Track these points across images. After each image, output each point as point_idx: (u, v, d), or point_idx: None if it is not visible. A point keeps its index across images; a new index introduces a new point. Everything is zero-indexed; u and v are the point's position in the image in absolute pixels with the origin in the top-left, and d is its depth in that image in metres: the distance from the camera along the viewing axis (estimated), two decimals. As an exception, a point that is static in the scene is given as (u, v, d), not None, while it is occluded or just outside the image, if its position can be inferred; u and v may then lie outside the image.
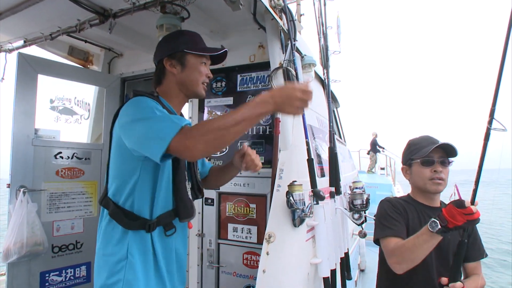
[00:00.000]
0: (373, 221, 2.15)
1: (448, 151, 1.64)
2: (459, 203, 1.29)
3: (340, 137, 4.22)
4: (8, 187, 2.18)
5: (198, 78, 1.43)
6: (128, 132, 1.18)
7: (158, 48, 1.45)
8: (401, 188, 10.70)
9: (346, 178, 2.98)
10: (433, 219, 1.32)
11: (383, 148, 13.33)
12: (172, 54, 1.38)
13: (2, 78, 2.47)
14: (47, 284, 2.35)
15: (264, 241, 1.56)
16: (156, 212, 1.30)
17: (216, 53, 1.48)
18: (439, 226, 1.30)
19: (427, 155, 1.63)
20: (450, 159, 1.66)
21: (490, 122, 1.36)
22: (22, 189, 2.17)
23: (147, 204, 1.28)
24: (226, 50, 1.50)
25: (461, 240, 1.41)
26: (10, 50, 2.44)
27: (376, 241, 1.69)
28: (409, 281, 1.58)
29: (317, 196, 1.56)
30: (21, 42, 2.36)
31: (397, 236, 1.54)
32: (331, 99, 3.83)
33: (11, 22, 2.02)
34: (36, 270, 2.29)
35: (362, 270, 5.01)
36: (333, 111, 4.04)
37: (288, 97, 1.08)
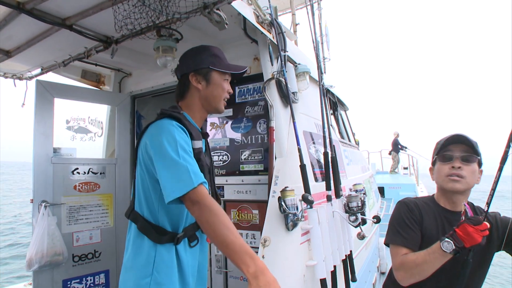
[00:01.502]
0: (373, 223, 2.17)
1: (471, 146, 1.48)
2: (475, 221, 1.23)
3: (350, 141, 4.23)
4: (31, 202, 2.39)
5: (221, 94, 1.46)
6: (157, 160, 1.20)
7: (183, 62, 1.45)
8: (425, 188, 10.41)
9: (353, 181, 3.00)
10: (446, 239, 1.26)
11: (406, 148, 13.01)
12: (197, 70, 1.40)
13: (23, 104, 2.70)
14: (69, 291, 2.53)
15: (260, 245, 1.64)
16: (183, 224, 1.35)
17: (240, 72, 1.51)
18: (454, 247, 1.24)
19: (444, 150, 1.51)
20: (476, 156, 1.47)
21: (508, 145, 1.26)
22: (43, 204, 2.37)
23: (174, 218, 1.32)
24: (247, 68, 1.56)
25: (466, 259, 1.34)
26: (30, 78, 2.69)
27: (387, 244, 1.62)
28: None
29: (306, 201, 1.63)
30: (38, 70, 2.59)
31: (407, 247, 1.46)
32: (337, 103, 3.88)
33: (29, 53, 2.24)
34: (58, 278, 2.48)
35: (382, 273, 4.93)
36: (340, 114, 4.07)
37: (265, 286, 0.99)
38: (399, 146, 12.99)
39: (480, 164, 1.50)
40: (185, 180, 1.13)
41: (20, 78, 2.71)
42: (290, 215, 1.66)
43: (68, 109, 2.70)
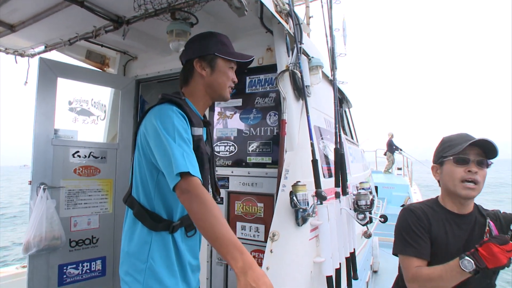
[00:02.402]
0: (379, 222, 2.16)
1: (486, 151, 1.43)
2: (502, 240, 1.16)
3: (352, 138, 4.21)
4: (30, 183, 2.32)
5: (226, 82, 1.42)
6: (154, 145, 1.20)
7: (189, 47, 1.43)
8: (418, 189, 10.51)
9: (356, 178, 2.99)
10: (466, 257, 1.20)
11: (400, 149, 13.13)
12: (202, 56, 1.37)
13: (26, 82, 2.61)
14: (64, 276, 2.48)
15: (268, 239, 1.61)
16: (179, 213, 1.32)
17: (245, 61, 1.48)
18: (474, 267, 1.17)
19: (461, 152, 1.42)
20: (489, 160, 1.44)
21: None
22: (42, 186, 2.30)
23: (170, 206, 1.30)
24: (253, 58, 1.52)
25: (489, 283, 1.30)
26: (33, 55, 2.59)
27: (395, 254, 1.56)
28: None
29: (319, 197, 1.60)
30: (42, 48, 2.49)
31: (419, 258, 1.42)
32: (343, 100, 3.85)
33: (34, 29, 2.15)
34: (54, 263, 2.42)
35: (375, 271, 4.97)
36: (345, 111, 4.05)
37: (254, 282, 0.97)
38: (394, 147, 13.12)
39: (489, 166, 1.46)
40: (182, 164, 1.11)
41: (22, 55, 2.61)
42: (300, 210, 1.62)
43: (71, 90, 2.62)
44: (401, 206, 10.20)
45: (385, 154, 13.53)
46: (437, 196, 1.60)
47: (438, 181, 1.58)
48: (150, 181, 1.28)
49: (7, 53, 2.56)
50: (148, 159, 1.25)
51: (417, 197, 9.25)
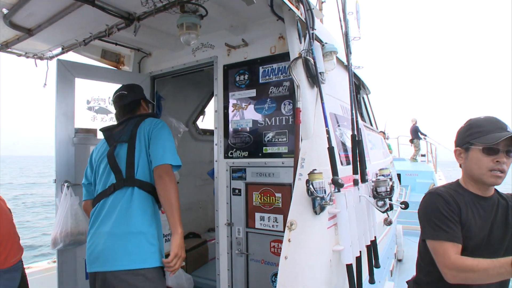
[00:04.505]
0: (401, 209, 2.10)
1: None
2: None
3: (371, 125, 4.12)
4: (55, 182, 2.40)
5: None
6: (158, 142, 1.77)
7: (133, 92, 2.05)
8: (443, 175, 10.21)
9: (376, 166, 2.92)
10: None
11: (425, 135, 12.64)
12: (145, 99, 2.10)
13: (45, 84, 2.69)
14: (92, 270, 2.57)
15: (286, 228, 1.60)
16: None
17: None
18: None
19: (494, 143, 1.39)
20: None
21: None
22: (66, 184, 2.38)
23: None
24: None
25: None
26: (51, 58, 2.67)
27: (424, 240, 1.55)
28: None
29: (336, 184, 1.57)
30: (59, 50, 2.57)
31: (454, 242, 1.40)
32: (360, 86, 3.76)
33: (49, 32, 2.21)
34: (81, 257, 2.51)
35: (399, 260, 4.89)
36: (363, 98, 3.96)
37: (182, 249, 1.67)
38: (419, 133, 12.61)
39: None
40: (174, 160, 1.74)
41: (41, 58, 2.70)
42: (317, 198, 1.60)
43: (89, 89, 2.68)
44: (426, 193, 9.93)
45: (411, 141, 13.00)
46: (458, 180, 1.59)
47: (460, 165, 1.56)
48: (148, 164, 1.79)
49: (27, 57, 2.65)
50: (147, 151, 1.79)
51: (442, 183, 9.00)
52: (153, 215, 1.76)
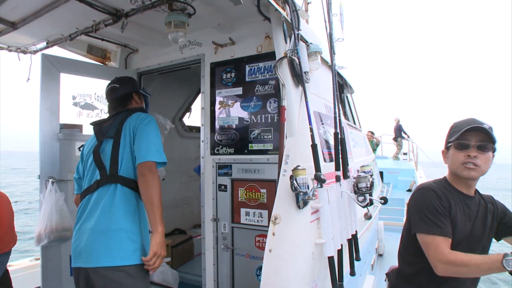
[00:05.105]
0: (381, 205, 2.19)
1: (490, 135, 1.48)
2: None
3: (355, 123, 4.22)
4: (39, 178, 2.38)
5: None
6: (143, 138, 1.74)
7: (125, 85, 2.01)
8: (423, 173, 10.50)
9: (358, 163, 3.02)
10: (511, 256, 1.26)
11: (407, 135, 12.95)
12: (137, 91, 2.05)
13: (28, 78, 2.66)
14: (77, 266, 2.57)
15: (271, 222, 1.65)
16: None
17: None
18: None
19: (461, 138, 1.51)
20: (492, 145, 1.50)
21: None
22: (50, 180, 2.36)
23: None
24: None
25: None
26: (35, 52, 2.63)
27: (415, 234, 1.58)
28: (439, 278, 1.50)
29: (318, 180, 1.63)
30: (44, 44, 2.53)
31: (446, 236, 1.46)
32: (344, 85, 3.85)
33: (35, 25, 2.18)
34: (66, 254, 2.50)
35: (380, 255, 5.03)
36: (346, 97, 4.05)
37: (161, 247, 1.65)
38: (403, 132, 12.89)
39: (494, 150, 1.51)
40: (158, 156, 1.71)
41: (24, 52, 2.65)
42: (301, 193, 1.66)
43: (75, 84, 2.66)
44: (407, 190, 10.22)
45: (395, 139, 13.26)
46: (445, 177, 1.67)
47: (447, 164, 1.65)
48: (133, 160, 1.76)
49: (10, 50, 2.60)
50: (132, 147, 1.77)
51: (422, 181, 9.26)
52: (136, 212, 1.74)
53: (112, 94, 1.98)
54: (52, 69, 2.47)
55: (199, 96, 4.39)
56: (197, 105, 4.40)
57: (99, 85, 2.78)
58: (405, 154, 13.23)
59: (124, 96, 1.98)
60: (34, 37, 2.44)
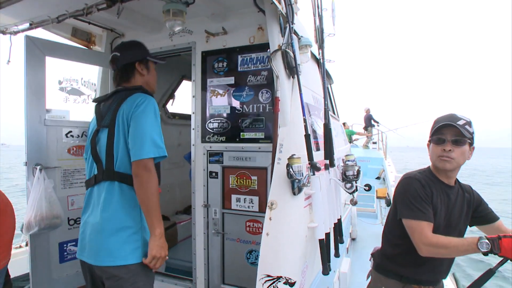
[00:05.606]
0: (363, 190, 2.35)
1: (462, 129, 1.60)
2: None
3: (334, 113, 4.39)
4: (26, 165, 2.32)
5: (155, 80, 1.88)
6: (137, 129, 1.56)
7: (126, 53, 1.76)
8: (392, 162, 11.03)
9: (339, 152, 3.18)
10: (486, 240, 1.40)
11: (378, 122, 13.49)
12: (141, 60, 1.77)
13: (9, 61, 2.54)
14: (65, 253, 2.55)
15: (267, 208, 1.75)
16: None
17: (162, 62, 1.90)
18: (488, 250, 1.39)
19: (438, 133, 1.66)
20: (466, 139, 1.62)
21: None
22: (38, 167, 2.31)
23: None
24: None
25: (491, 270, 1.51)
26: (15, 32, 2.50)
27: (400, 219, 1.71)
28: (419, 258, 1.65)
29: (314, 168, 1.74)
30: (26, 25, 2.41)
31: (429, 221, 1.59)
32: (326, 77, 3.98)
33: (20, 6, 2.07)
34: (55, 241, 2.48)
35: (353, 239, 5.33)
36: (327, 88, 4.18)
37: (161, 249, 1.57)
38: (373, 121, 13.41)
39: (471, 143, 1.67)
40: (154, 151, 1.54)
41: (3, 32, 2.51)
42: (296, 180, 1.77)
43: (61, 68, 2.58)
44: (376, 178, 10.72)
45: (365, 129, 13.77)
46: (429, 167, 1.80)
47: None
48: (128, 153, 1.61)
49: (-13, 30, 2.47)
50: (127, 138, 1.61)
51: (391, 169, 9.74)
52: (137, 208, 1.63)
53: (112, 65, 1.77)
54: (37, 52, 2.38)
55: (185, 83, 4.37)
56: (180, 91, 4.38)
57: (86, 70, 2.72)
58: (374, 143, 13.81)
59: (125, 67, 1.74)
60: (17, 17, 2.33)
